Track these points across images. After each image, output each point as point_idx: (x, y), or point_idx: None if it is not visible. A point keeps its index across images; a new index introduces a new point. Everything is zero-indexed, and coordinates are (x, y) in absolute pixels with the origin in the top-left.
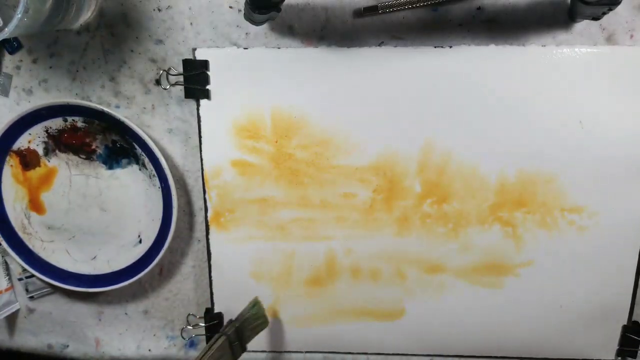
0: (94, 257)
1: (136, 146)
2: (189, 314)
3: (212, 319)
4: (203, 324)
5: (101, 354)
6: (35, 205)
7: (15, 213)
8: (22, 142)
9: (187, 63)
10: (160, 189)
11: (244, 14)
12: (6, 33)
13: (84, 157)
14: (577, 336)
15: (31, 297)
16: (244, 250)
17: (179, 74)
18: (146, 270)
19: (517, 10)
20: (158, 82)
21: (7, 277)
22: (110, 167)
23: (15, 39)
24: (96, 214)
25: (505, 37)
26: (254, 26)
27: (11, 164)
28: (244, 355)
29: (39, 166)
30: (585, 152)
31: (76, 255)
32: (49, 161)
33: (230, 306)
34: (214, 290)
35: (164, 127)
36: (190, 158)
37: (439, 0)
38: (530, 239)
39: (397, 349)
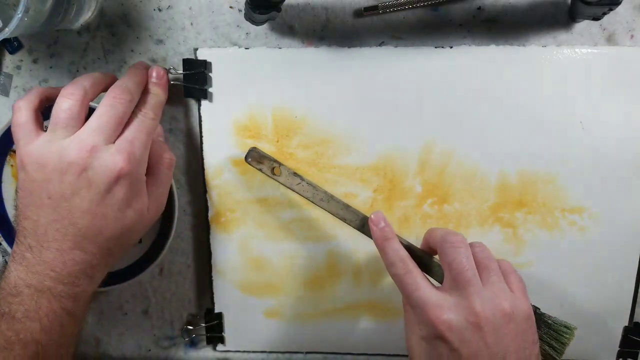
0: None
1: None
2: (188, 314)
3: (212, 319)
4: (203, 324)
5: (101, 354)
6: None
7: None
8: None
9: (187, 63)
10: None
11: (244, 14)
12: (6, 33)
13: None
14: (578, 337)
15: None
16: (244, 250)
17: (179, 74)
18: (146, 271)
19: (518, 10)
20: None
21: None
22: None
23: (16, 38)
24: None
25: (505, 37)
26: (254, 26)
27: (11, 164)
28: (244, 355)
29: None
30: (585, 152)
31: None
32: None
33: (230, 306)
34: (214, 290)
35: (164, 127)
36: (191, 158)
37: (439, 0)
38: (530, 240)
39: (397, 350)
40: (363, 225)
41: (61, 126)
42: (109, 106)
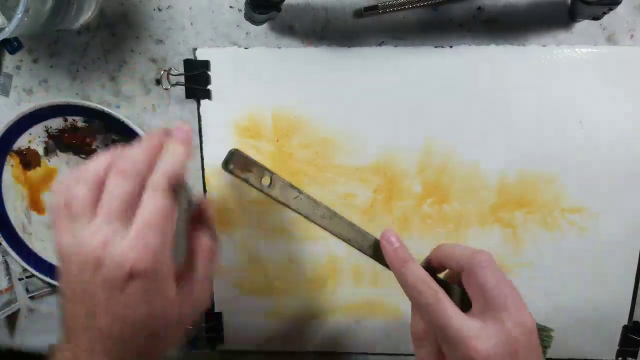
0: None
1: None
2: None
3: (212, 319)
4: (203, 324)
5: None
6: (36, 205)
7: (16, 213)
8: (22, 142)
9: (188, 63)
10: None
11: (244, 13)
12: (6, 33)
13: (84, 157)
14: (578, 336)
15: (31, 297)
16: (244, 250)
17: (180, 74)
18: None
19: (518, 10)
20: (158, 82)
21: (7, 277)
22: None
23: (16, 38)
24: None
25: (505, 37)
26: (254, 26)
27: (12, 164)
28: (239, 355)
29: (40, 166)
30: (585, 152)
31: None
32: (49, 161)
33: (229, 306)
34: (213, 290)
35: (165, 127)
36: (191, 158)
37: (439, 0)
38: (530, 240)
39: (397, 349)
40: (371, 247)
41: (79, 215)
42: (114, 185)
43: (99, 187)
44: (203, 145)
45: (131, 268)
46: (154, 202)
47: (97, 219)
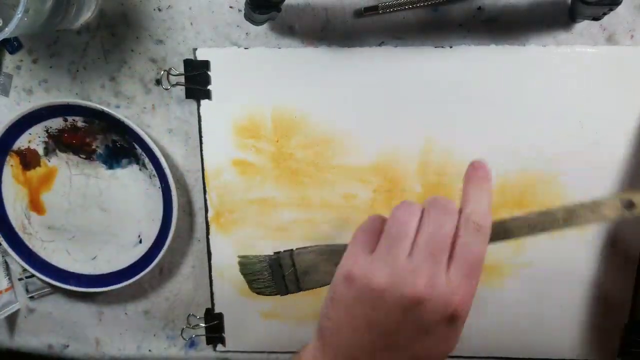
0: (94, 257)
1: (136, 146)
2: (189, 315)
3: (212, 320)
4: (203, 325)
5: (101, 354)
6: (36, 205)
7: (16, 213)
8: (22, 142)
9: (187, 63)
10: (160, 189)
11: (244, 14)
12: (6, 33)
13: (84, 157)
14: (578, 336)
15: (31, 297)
16: (244, 250)
17: (180, 74)
18: (146, 271)
19: (517, 10)
20: (158, 82)
21: (7, 277)
22: (111, 167)
23: (16, 38)
24: (96, 214)
25: (505, 37)
26: (254, 26)
27: (11, 164)
28: (244, 355)
29: (39, 166)
30: (585, 152)
31: (76, 255)
32: (49, 161)
33: (230, 306)
34: (214, 291)
35: (164, 127)
36: (191, 158)
37: (439, 0)
38: (530, 240)
39: None
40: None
41: (394, 244)
42: (436, 222)
43: (417, 223)
44: (203, 145)
45: (454, 311)
46: (480, 244)
47: (416, 254)
